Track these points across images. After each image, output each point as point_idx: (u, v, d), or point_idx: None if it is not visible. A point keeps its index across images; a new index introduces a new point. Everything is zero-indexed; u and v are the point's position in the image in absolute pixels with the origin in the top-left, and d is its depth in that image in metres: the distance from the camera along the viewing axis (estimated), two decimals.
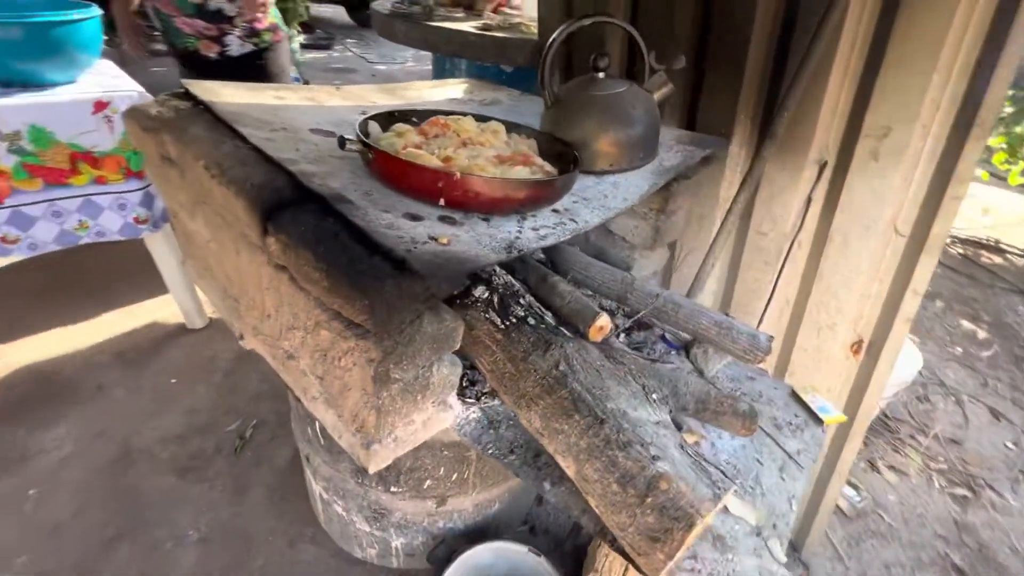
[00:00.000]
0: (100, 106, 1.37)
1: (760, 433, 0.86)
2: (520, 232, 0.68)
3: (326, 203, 0.62)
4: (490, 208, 0.68)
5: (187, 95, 0.88)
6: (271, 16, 1.62)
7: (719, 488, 0.58)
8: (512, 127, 0.92)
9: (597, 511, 0.63)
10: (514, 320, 0.76)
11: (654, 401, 0.71)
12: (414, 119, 0.87)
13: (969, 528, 1.59)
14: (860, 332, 1.19)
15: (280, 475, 1.45)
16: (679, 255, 1.37)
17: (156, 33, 1.71)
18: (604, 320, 0.77)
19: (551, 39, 0.85)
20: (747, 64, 1.12)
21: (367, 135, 0.75)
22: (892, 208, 1.07)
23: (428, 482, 1.04)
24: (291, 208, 0.62)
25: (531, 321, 0.76)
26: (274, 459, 1.50)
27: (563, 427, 0.66)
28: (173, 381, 1.71)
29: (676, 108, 1.29)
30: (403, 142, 0.76)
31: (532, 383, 0.70)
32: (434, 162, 0.69)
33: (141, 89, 1.45)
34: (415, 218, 0.64)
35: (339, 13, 8.55)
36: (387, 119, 0.82)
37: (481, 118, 0.90)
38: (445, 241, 0.60)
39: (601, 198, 0.82)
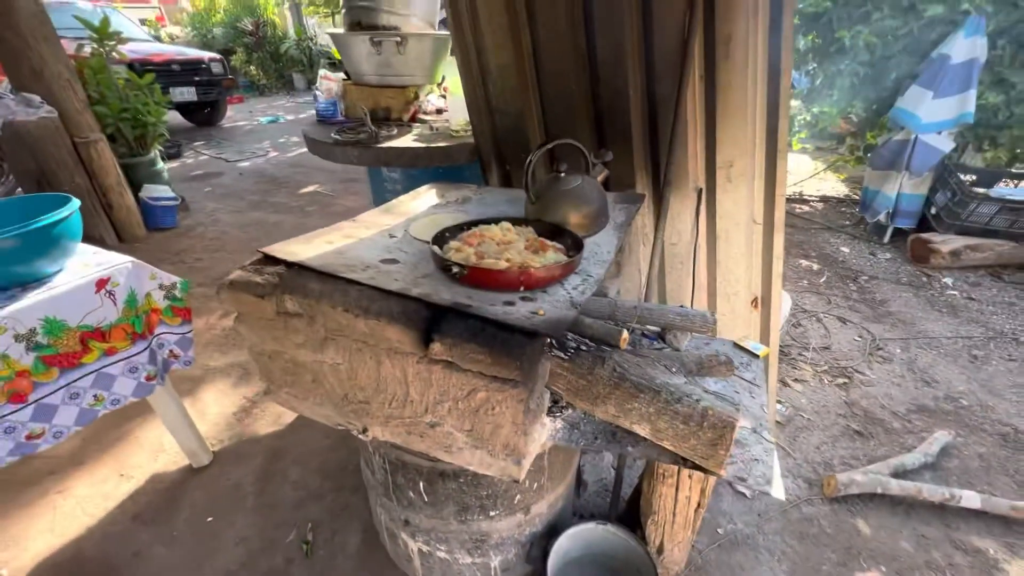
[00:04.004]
0: (101, 284, 1.47)
1: None
2: (571, 294, 1.05)
3: (455, 311, 0.94)
4: (547, 283, 1.05)
5: (267, 258, 1.12)
6: None
7: (735, 406, 0.99)
8: (511, 221, 1.29)
9: (672, 447, 1.01)
10: (571, 351, 1.12)
11: (674, 372, 1.12)
12: (447, 234, 1.21)
13: (853, 402, 2.24)
14: (754, 292, 1.74)
15: (359, 559, 1.61)
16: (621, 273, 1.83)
17: None
18: (625, 335, 1.16)
19: (529, 159, 1.25)
20: (633, 139, 1.63)
21: (442, 257, 1.07)
22: (747, 209, 1.62)
23: (518, 497, 1.33)
24: (441, 321, 0.92)
25: (583, 348, 1.12)
26: (346, 547, 1.64)
27: (634, 405, 1.03)
28: (209, 520, 1.75)
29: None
30: (464, 255, 1.09)
31: (602, 386, 1.07)
32: (503, 265, 1.03)
33: (130, 258, 1.56)
34: (510, 304, 0.98)
35: (175, 117, 8.28)
36: (440, 238, 1.15)
37: (488, 221, 1.26)
38: (542, 312, 0.95)
39: (593, 256, 1.22)
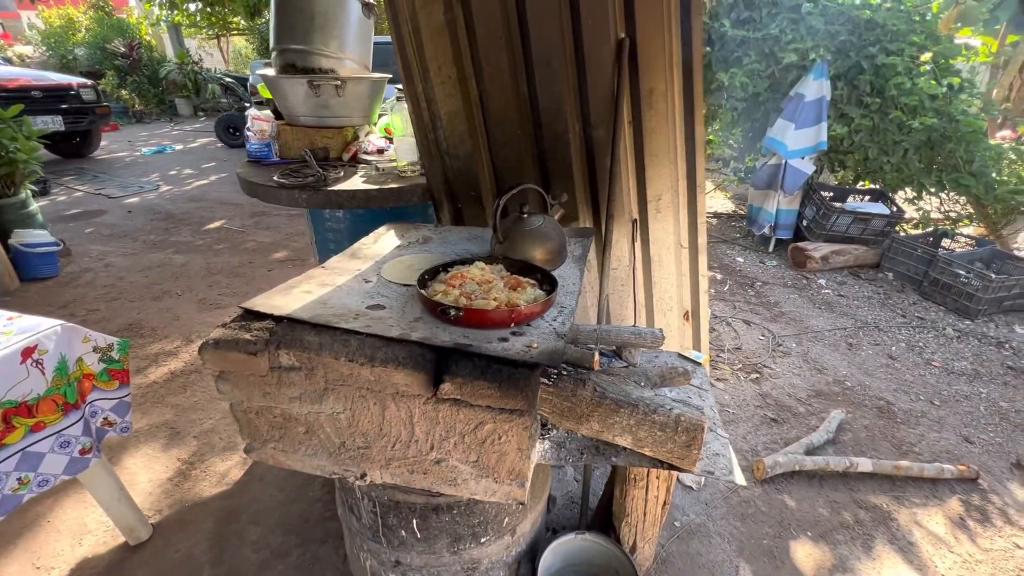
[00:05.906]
0: (27, 353, 1.33)
1: None
2: (552, 325, 1.16)
3: (458, 352, 1.01)
4: (532, 318, 1.15)
5: (248, 313, 1.11)
6: None
7: (699, 410, 1.16)
8: (481, 260, 1.38)
9: (651, 453, 1.15)
10: (553, 376, 1.23)
11: (642, 386, 1.27)
12: (426, 276, 1.27)
13: (766, 394, 2.58)
14: (685, 306, 1.98)
15: None
16: None
17: None
18: (597, 357, 1.29)
19: (496, 203, 1.35)
20: (575, 178, 1.80)
21: (437, 301, 1.13)
22: (674, 236, 1.86)
23: (506, 519, 1.40)
24: (448, 362, 0.98)
25: (563, 373, 1.24)
26: None
27: (616, 419, 1.16)
28: None
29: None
30: (451, 297, 1.16)
31: (585, 406, 1.18)
32: (493, 305, 1.12)
33: (59, 321, 1.42)
34: (504, 340, 1.07)
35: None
36: (422, 281, 1.21)
37: (462, 262, 1.34)
38: (535, 345, 1.05)
39: (563, 288, 1.34)
